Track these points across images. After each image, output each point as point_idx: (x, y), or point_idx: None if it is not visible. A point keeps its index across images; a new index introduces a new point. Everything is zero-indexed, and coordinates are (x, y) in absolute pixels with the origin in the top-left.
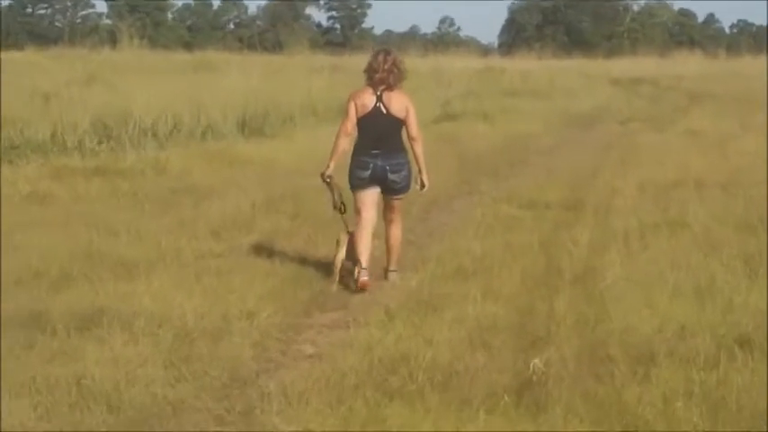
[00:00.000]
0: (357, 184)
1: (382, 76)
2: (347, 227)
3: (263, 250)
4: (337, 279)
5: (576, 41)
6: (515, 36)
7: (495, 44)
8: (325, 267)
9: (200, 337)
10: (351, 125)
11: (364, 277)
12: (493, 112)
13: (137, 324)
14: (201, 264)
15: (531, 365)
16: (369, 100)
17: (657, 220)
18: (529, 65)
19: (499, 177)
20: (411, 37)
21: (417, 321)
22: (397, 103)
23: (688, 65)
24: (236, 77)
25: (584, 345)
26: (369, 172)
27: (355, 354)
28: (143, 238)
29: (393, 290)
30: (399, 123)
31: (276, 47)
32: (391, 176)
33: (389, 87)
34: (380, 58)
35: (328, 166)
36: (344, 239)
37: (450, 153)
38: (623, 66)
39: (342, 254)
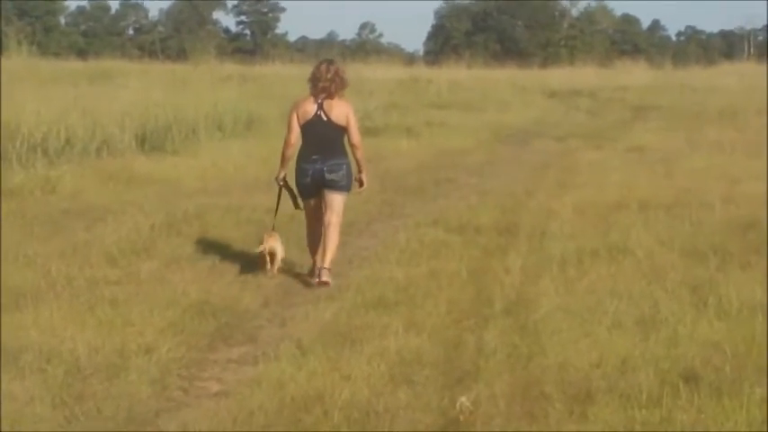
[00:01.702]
0: (302, 192)
1: (324, 85)
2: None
3: (163, 278)
4: (269, 266)
5: (509, 50)
6: (443, 43)
7: (421, 52)
8: (231, 296)
9: (94, 373)
10: (294, 136)
11: (325, 277)
12: (418, 126)
13: (24, 359)
14: (95, 292)
15: (458, 404)
16: (310, 108)
17: (597, 245)
18: (458, 75)
19: (425, 198)
20: (328, 44)
21: (333, 355)
22: (338, 110)
23: (631, 75)
24: (135, 88)
25: (516, 381)
26: (309, 179)
27: (265, 391)
28: (31, 264)
29: (306, 322)
30: (340, 130)
31: (180, 54)
32: (329, 176)
33: (330, 95)
34: (323, 67)
35: (280, 171)
36: (271, 238)
37: (371, 172)
38: (561, 76)
39: (270, 244)
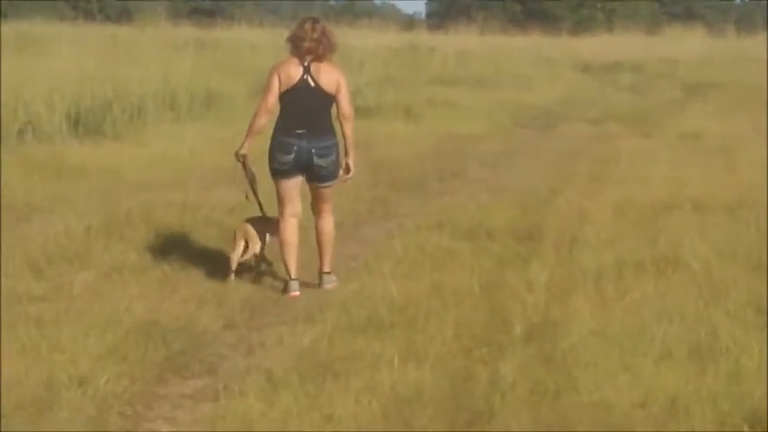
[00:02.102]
0: (279, 170)
1: (310, 46)
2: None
3: (101, 292)
4: (233, 275)
5: (531, 12)
6: (450, 4)
7: (423, 14)
8: (186, 315)
9: (17, 410)
10: (273, 99)
11: (295, 291)
12: (418, 106)
13: None
14: (17, 310)
15: None
16: (294, 71)
17: (641, 255)
18: (468, 43)
19: (426, 196)
20: (307, 4)
21: (312, 390)
22: (328, 75)
23: (684, 45)
24: (66, 57)
25: (539, 424)
26: (292, 156)
27: None
28: None
29: (279, 348)
30: (329, 99)
31: (123, 16)
32: (318, 161)
33: (319, 58)
34: (308, 26)
35: (243, 146)
36: (246, 234)
37: (360, 162)
38: (596, 46)
39: (240, 250)
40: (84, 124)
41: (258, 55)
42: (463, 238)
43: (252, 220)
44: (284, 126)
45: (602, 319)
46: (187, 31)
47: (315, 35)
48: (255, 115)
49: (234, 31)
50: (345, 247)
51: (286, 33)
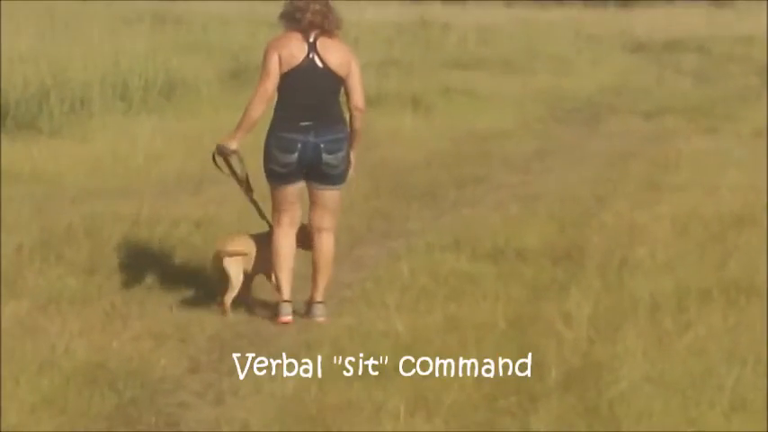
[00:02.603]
0: (279, 174)
1: (314, 19)
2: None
3: (35, 327)
4: (229, 312)
5: None
6: None
7: None
8: (140, 356)
9: None
10: (273, 84)
11: (287, 316)
12: (430, 95)
13: None
14: None
15: None
16: (298, 49)
17: (707, 281)
18: (491, 16)
19: (440, 207)
20: None
21: None
22: (338, 55)
23: (761, 20)
24: None
25: None
26: (296, 154)
27: None
28: None
29: (256, 396)
30: (339, 83)
31: None
32: (326, 158)
33: (326, 33)
34: None
35: (234, 138)
36: (246, 260)
37: (356, 164)
38: (652, 20)
39: (238, 281)
40: (13, 117)
41: (230, 31)
42: (486, 260)
43: (241, 239)
44: (285, 118)
45: (658, 361)
46: (142, 3)
47: (316, 6)
48: (251, 103)
49: (200, 2)
50: (339, 271)
51: (262, 7)
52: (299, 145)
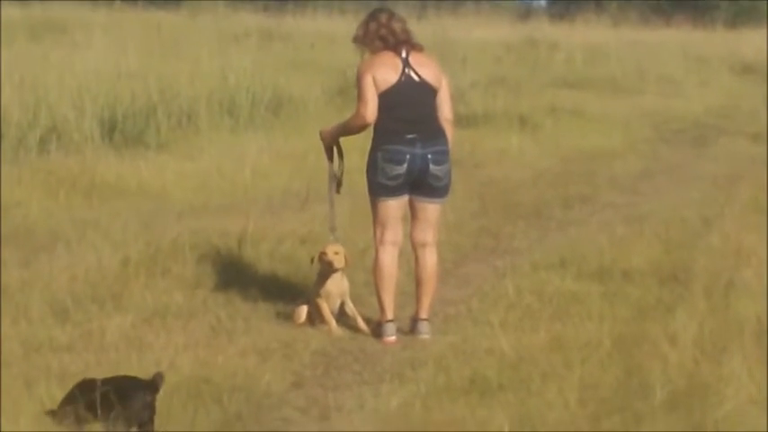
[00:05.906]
0: (386, 188)
1: (404, 38)
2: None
3: (140, 340)
4: (334, 324)
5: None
6: None
7: (543, 2)
8: (245, 370)
9: None
10: (372, 110)
11: (391, 336)
12: (537, 114)
13: None
14: (36, 362)
15: None
16: (393, 67)
17: None
18: (598, 37)
19: (546, 227)
20: None
21: None
22: (429, 68)
23: None
24: (100, 48)
25: None
26: (405, 165)
27: None
28: None
29: (360, 413)
30: (435, 95)
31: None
32: (434, 169)
33: (416, 48)
34: (384, 18)
35: (335, 132)
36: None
37: (463, 182)
38: (760, 41)
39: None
40: (121, 132)
41: (337, 49)
42: (592, 279)
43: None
44: (390, 132)
45: (764, 384)
46: (250, 19)
47: (399, 24)
48: (348, 125)
49: (308, 20)
50: (444, 288)
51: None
52: (408, 156)
